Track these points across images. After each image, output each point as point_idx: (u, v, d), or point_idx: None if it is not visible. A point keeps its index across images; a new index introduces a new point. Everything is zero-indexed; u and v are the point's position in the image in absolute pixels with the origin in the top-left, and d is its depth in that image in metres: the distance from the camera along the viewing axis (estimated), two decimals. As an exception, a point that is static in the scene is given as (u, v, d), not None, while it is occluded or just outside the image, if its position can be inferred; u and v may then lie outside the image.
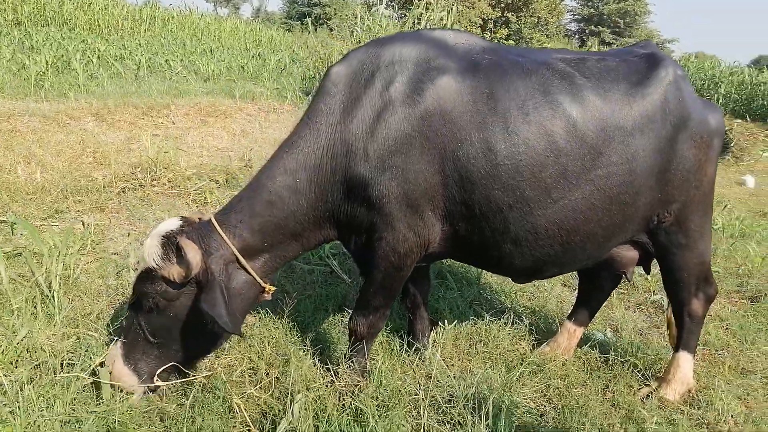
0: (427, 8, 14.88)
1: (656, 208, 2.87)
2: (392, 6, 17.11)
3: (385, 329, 3.46)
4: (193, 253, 2.50)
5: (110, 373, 2.69)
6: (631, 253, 3.09)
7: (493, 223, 2.68)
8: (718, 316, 4.40)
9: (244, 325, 3.47)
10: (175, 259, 2.56)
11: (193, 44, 18.67)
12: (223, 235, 2.63)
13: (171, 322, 2.66)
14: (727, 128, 11.45)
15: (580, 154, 2.62)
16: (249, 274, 2.69)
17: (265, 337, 3.29)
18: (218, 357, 3.14)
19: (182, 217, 2.77)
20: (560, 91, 2.64)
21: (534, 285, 4.68)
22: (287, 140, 2.75)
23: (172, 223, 2.68)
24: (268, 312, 3.57)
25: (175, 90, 11.67)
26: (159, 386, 2.76)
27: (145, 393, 2.74)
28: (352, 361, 2.95)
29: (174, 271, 2.55)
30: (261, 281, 2.73)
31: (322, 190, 2.67)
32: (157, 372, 2.73)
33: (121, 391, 2.69)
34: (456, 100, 2.58)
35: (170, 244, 2.58)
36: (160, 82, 12.52)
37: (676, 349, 3.27)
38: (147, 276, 2.60)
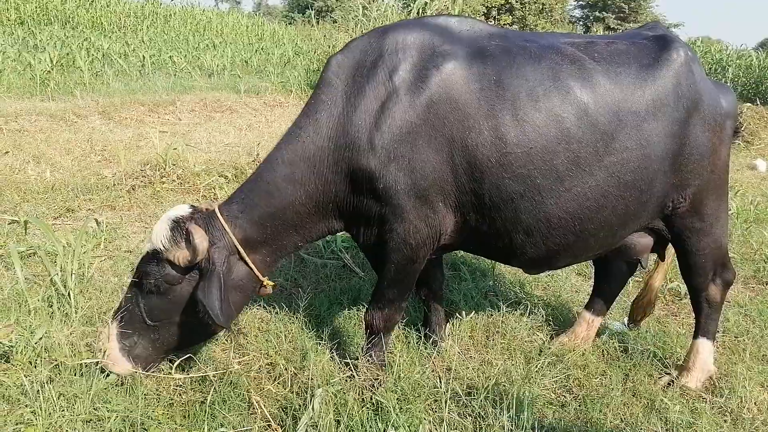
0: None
1: (671, 194, 2.82)
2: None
3: (402, 322, 3.44)
4: (200, 238, 2.52)
5: (104, 352, 2.70)
6: (645, 240, 3.05)
7: (505, 213, 2.64)
8: (737, 303, 4.35)
9: (252, 319, 3.47)
10: (182, 244, 2.57)
11: (196, 40, 18.61)
12: (225, 225, 2.63)
13: (170, 306, 2.67)
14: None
15: (592, 140, 2.57)
16: (248, 266, 2.68)
17: (281, 332, 3.28)
18: (236, 353, 3.13)
19: (192, 205, 2.78)
20: (570, 76, 2.58)
21: (548, 275, 4.64)
22: (288, 131, 2.73)
23: (182, 209, 2.71)
24: (283, 307, 3.55)
25: (180, 86, 11.66)
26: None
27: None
28: (370, 355, 2.93)
29: (180, 255, 2.56)
30: (260, 275, 2.72)
31: (324, 182, 2.64)
32: (156, 358, 2.77)
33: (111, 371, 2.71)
34: (463, 87, 2.53)
35: (179, 228, 2.60)
36: (165, 78, 12.50)
37: (695, 336, 3.23)
38: (152, 258, 2.62)
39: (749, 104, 11.74)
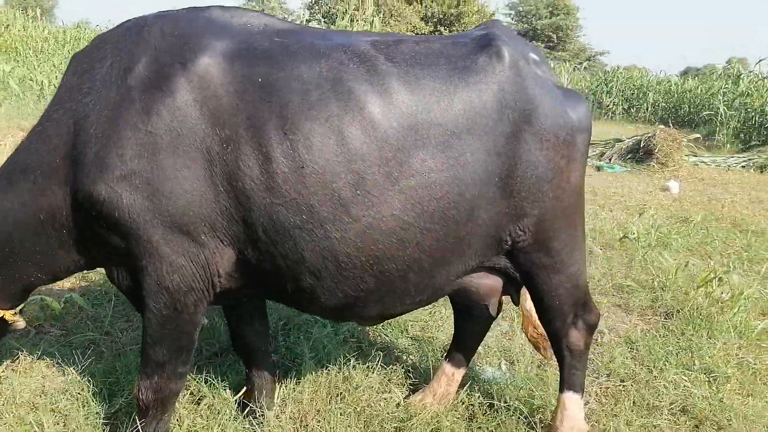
0: (351, 20, 14.53)
1: (505, 225, 2.30)
2: (317, 19, 16.70)
3: (228, 388, 2.83)
4: None
5: None
6: (488, 281, 2.52)
7: (283, 249, 2.10)
8: (628, 338, 3.96)
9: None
10: None
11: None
12: None
13: None
14: (649, 134, 11.40)
15: (382, 159, 2.05)
16: None
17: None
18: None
19: None
20: (355, 79, 2.08)
21: (429, 313, 4.14)
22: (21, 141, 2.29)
23: None
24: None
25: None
26: None
27: None
28: None
29: None
30: None
31: (49, 202, 2.14)
32: None
33: None
34: (219, 90, 2.02)
35: None
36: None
37: (560, 390, 2.74)
38: None
39: (662, 126, 11.87)
